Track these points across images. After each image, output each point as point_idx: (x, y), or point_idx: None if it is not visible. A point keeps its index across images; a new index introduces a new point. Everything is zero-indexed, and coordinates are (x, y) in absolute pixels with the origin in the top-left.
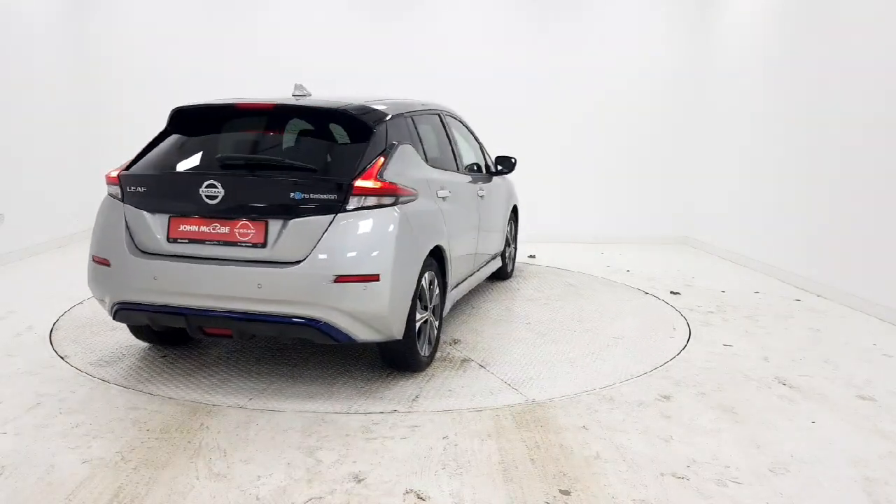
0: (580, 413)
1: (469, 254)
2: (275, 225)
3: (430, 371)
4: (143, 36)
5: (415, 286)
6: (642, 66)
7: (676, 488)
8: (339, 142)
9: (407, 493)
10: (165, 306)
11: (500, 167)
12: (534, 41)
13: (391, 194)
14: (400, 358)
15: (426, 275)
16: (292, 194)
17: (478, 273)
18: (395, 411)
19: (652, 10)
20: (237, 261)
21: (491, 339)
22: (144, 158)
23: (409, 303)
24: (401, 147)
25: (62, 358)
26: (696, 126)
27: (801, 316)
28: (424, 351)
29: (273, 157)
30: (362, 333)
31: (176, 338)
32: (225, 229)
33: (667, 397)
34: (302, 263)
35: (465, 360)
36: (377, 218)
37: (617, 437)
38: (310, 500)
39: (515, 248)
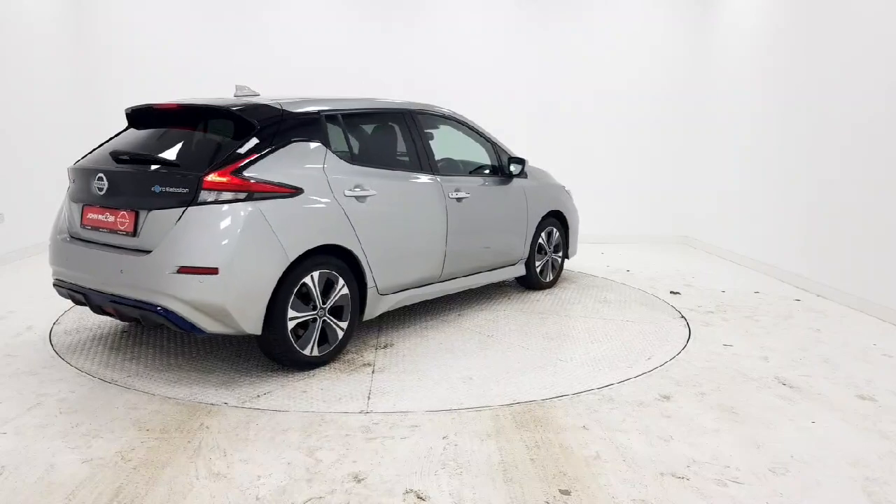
0: (580, 413)
1: (424, 258)
2: (142, 216)
3: (317, 370)
4: (144, 36)
5: (273, 283)
6: (643, 67)
7: (676, 488)
8: (225, 139)
9: (407, 492)
10: (75, 284)
11: (511, 169)
12: (534, 42)
13: (243, 190)
14: (274, 354)
15: (315, 274)
16: (153, 187)
17: (462, 280)
18: (225, 403)
19: (652, 10)
20: (117, 247)
21: (426, 346)
22: (91, 153)
23: (264, 299)
24: (291, 145)
25: (62, 358)
26: (696, 126)
27: (801, 316)
28: (312, 350)
29: (146, 152)
30: (208, 325)
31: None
32: (112, 218)
33: (667, 397)
34: (153, 252)
35: (365, 364)
36: (224, 213)
37: (617, 437)
38: (310, 499)
39: (563, 257)
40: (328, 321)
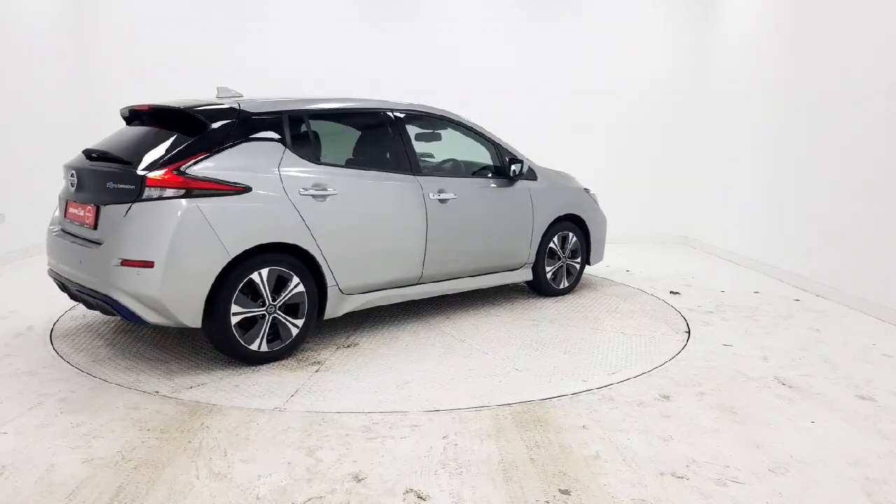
0: (580, 413)
1: (398, 259)
2: (101, 210)
3: (264, 366)
4: (144, 36)
5: (211, 278)
6: (642, 66)
7: (676, 488)
8: (181, 138)
9: (407, 492)
10: (58, 274)
11: (513, 169)
12: (534, 42)
13: (183, 187)
14: (221, 346)
15: (263, 270)
16: (108, 183)
17: (451, 283)
18: (157, 392)
19: (652, 10)
20: (84, 239)
21: (388, 348)
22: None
23: (201, 293)
24: (243, 144)
25: (62, 357)
26: (696, 126)
27: (800, 316)
28: (261, 346)
29: (117, 149)
30: (148, 316)
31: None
32: (81, 212)
33: (667, 397)
34: (103, 245)
35: (315, 363)
36: (163, 209)
37: (617, 436)
38: (310, 499)
39: (583, 264)
40: (279, 318)
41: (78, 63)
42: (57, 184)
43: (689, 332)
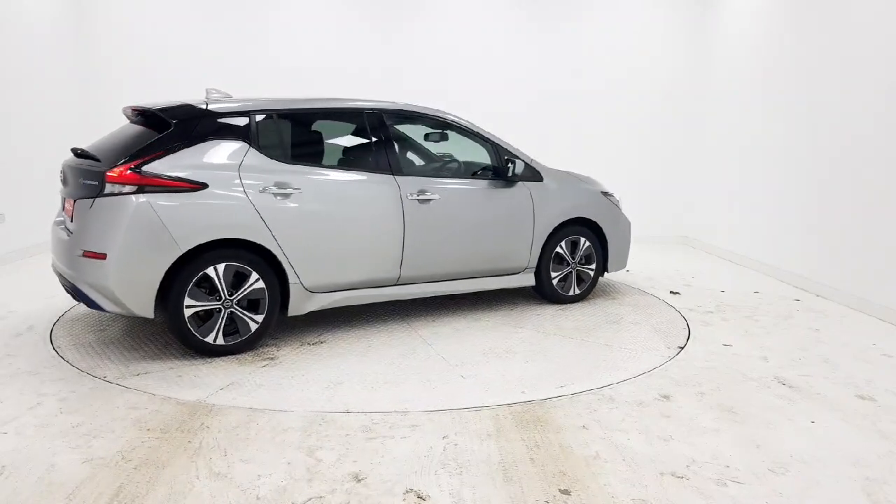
0: (580, 413)
1: (372, 259)
2: (76, 204)
3: (219, 359)
4: (144, 36)
5: (161, 271)
6: (642, 67)
7: (676, 488)
8: (149, 136)
9: (407, 492)
10: (53, 264)
11: (509, 169)
12: (534, 42)
13: (138, 184)
14: (177, 337)
15: (219, 266)
16: (80, 179)
17: (438, 285)
18: (104, 378)
19: (652, 10)
20: (66, 231)
21: (350, 348)
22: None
23: (152, 285)
24: (205, 142)
25: (62, 357)
26: (696, 126)
27: (800, 316)
28: (216, 339)
29: (85, 148)
30: (106, 305)
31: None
32: (68, 206)
33: (666, 397)
34: (71, 237)
35: (269, 358)
36: (118, 204)
37: (617, 436)
38: (310, 499)
39: (598, 271)
40: (237, 312)
41: (78, 63)
42: (57, 183)
43: (681, 349)
